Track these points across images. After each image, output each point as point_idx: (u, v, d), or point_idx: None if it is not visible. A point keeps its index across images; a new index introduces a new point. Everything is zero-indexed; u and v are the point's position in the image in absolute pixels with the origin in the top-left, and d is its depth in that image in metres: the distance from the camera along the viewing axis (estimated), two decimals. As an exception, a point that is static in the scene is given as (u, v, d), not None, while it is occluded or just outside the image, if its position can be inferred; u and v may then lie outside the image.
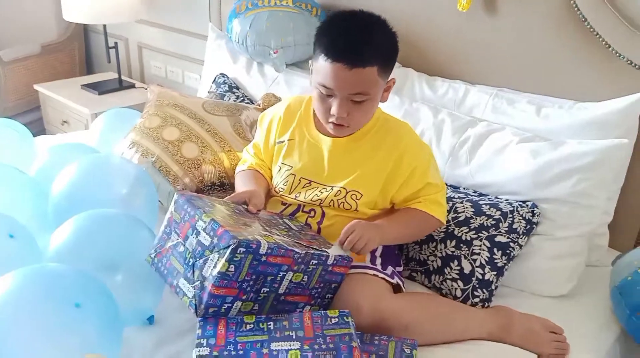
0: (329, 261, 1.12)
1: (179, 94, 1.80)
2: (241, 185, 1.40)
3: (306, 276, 1.11)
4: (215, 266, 1.00)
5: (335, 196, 1.31)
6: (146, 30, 3.01)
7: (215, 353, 0.94)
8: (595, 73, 1.61)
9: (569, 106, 1.61)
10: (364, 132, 1.31)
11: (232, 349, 0.95)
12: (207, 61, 2.29)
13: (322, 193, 1.31)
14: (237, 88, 2.08)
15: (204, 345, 0.96)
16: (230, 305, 1.05)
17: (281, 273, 1.07)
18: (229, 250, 0.98)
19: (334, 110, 1.20)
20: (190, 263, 1.06)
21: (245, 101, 2.01)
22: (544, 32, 1.66)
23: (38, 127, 3.08)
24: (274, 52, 1.94)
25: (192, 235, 1.07)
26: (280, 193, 1.36)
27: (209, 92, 2.06)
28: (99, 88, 2.89)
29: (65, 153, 1.53)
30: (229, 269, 1.00)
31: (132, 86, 2.96)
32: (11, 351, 0.90)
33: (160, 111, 1.69)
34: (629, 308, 1.33)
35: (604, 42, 1.54)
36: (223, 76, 2.12)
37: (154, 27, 2.96)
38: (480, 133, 1.63)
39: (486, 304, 1.39)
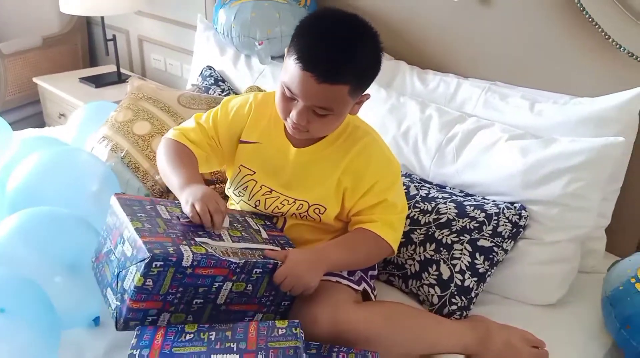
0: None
1: (157, 87, 1.74)
2: (175, 168, 1.16)
3: (250, 285, 1.03)
4: (132, 280, 0.94)
5: (297, 209, 1.22)
6: (146, 22, 2.96)
7: (146, 365, 0.88)
8: (594, 66, 1.50)
9: (565, 101, 1.50)
10: (330, 142, 1.20)
11: (165, 361, 0.89)
12: (196, 53, 2.23)
13: (283, 205, 1.22)
14: (224, 81, 2.01)
15: (136, 356, 0.90)
16: (155, 317, 0.98)
17: (216, 283, 0.99)
18: (143, 264, 0.92)
19: (293, 115, 1.10)
20: (115, 273, 0.99)
21: (231, 94, 1.94)
22: (540, 22, 1.56)
23: (39, 121, 3.07)
24: (259, 44, 1.86)
25: (120, 243, 1.00)
26: (240, 197, 1.28)
27: (192, 85, 2.00)
28: (97, 81, 2.86)
29: (32, 148, 1.48)
30: (147, 283, 0.93)
31: (131, 79, 2.92)
32: None
33: (134, 104, 1.63)
34: (618, 321, 1.23)
35: (603, 33, 1.43)
36: (209, 69, 2.06)
37: (153, 19, 2.91)
38: (469, 129, 1.53)
39: (464, 313, 1.30)
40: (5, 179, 1.38)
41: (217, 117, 1.27)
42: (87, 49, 3.38)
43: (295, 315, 1.11)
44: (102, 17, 2.77)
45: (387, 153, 1.24)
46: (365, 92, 1.15)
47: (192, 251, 0.95)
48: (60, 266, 1.14)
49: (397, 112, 1.65)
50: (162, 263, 0.92)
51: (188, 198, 1.05)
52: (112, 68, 3.02)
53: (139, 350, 0.91)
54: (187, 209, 1.04)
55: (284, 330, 0.94)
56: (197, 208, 1.03)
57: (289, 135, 1.22)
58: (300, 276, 1.06)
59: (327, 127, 1.15)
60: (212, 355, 0.90)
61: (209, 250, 0.98)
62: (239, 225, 1.13)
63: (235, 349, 0.91)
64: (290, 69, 1.07)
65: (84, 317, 1.17)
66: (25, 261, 1.10)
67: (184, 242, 0.98)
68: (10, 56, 2.94)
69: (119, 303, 0.98)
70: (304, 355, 0.92)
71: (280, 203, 1.22)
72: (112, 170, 1.43)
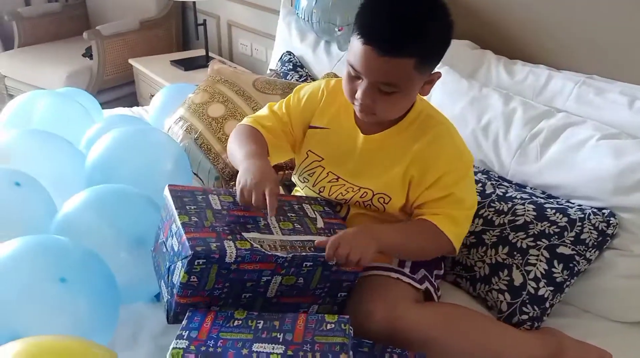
0: (332, 262, 1.00)
1: (235, 70, 1.75)
2: (242, 145, 1.17)
3: (301, 278, 1.01)
4: (179, 275, 0.94)
5: (361, 197, 1.17)
6: (235, 7, 3.01)
7: (192, 348, 0.88)
8: None
9: (670, 99, 1.34)
10: (400, 129, 1.15)
11: (211, 345, 0.88)
12: (277, 38, 2.23)
13: (347, 192, 1.18)
14: (302, 67, 2.00)
15: (184, 337, 0.90)
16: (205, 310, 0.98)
17: (264, 277, 0.97)
18: (186, 261, 0.91)
19: (358, 94, 1.06)
20: (167, 266, 1.00)
21: (308, 81, 1.92)
22: (646, 9, 1.40)
23: (133, 101, 3.22)
24: (339, 30, 1.82)
25: (170, 236, 1.00)
26: (305, 183, 1.25)
27: (270, 69, 2.00)
28: (187, 64, 2.94)
29: (114, 125, 1.53)
30: (191, 280, 0.93)
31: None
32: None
33: (210, 87, 1.65)
34: None
35: None
36: (289, 54, 2.05)
37: (241, 5, 2.96)
38: (556, 126, 1.41)
39: (536, 324, 1.21)
40: (87, 154, 1.45)
41: (290, 103, 1.26)
42: (180, 33, 3.50)
43: (351, 309, 1.08)
44: (194, 2, 2.85)
45: (460, 144, 1.17)
46: (436, 71, 1.08)
47: (236, 247, 0.94)
48: (127, 242, 1.17)
49: (478, 105, 1.55)
50: (204, 260, 0.92)
51: (240, 178, 1.05)
52: (202, 52, 3.09)
53: (188, 332, 0.91)
54: (238, 191, 1.03)
55: (333, 325, 0.91)
56: (245, 196, 1.02)
57: (359, 121, 1.18)
58: (353, 243, 0.99)
59: (394, 107, 1.10)
60: (256, 344, 0.88)
61: (255, 245, 0.96)
62: (292, 215, 1.10)
63: (281, 340, 0.89)
64: (353, 46, 1.04)
65: (145, 293, 1.19)
66: (94, 234, 1.14)
67: (229, 237, 0.96)
68: (108, 37, 3.09)
69: (169, 297, 0.99)
70: (351, 352, 0.88)
71: (345, 190, 1.19)
72: (185, 151, 1.45)
